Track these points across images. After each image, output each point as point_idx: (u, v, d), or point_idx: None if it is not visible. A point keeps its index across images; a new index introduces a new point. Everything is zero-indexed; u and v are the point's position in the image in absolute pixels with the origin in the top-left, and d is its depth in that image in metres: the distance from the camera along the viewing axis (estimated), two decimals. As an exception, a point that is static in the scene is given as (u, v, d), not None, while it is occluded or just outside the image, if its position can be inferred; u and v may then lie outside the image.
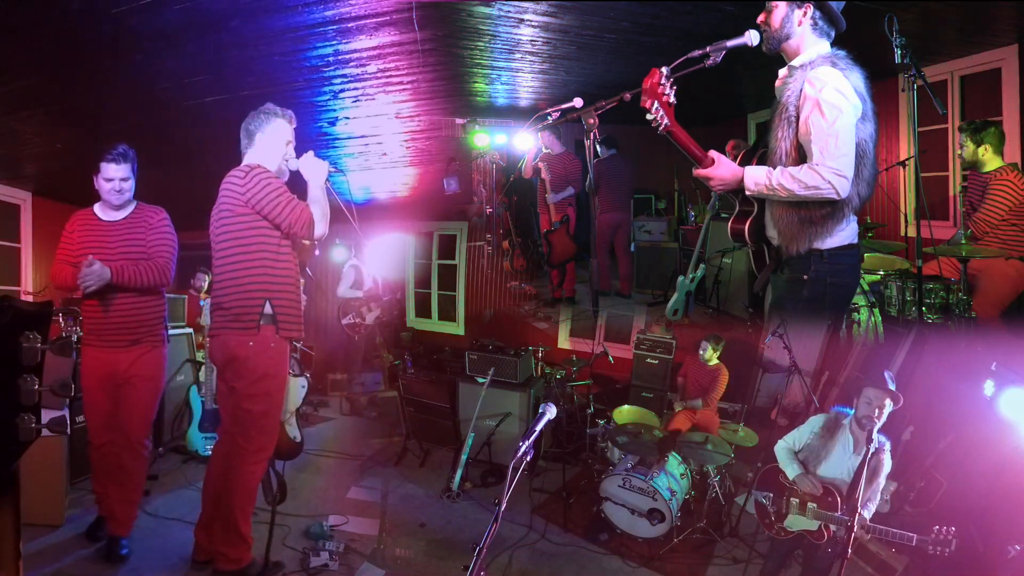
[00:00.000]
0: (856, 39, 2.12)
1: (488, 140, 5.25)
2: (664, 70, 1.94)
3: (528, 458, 1.71)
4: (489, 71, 4.33)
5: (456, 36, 3.68)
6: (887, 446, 2.54)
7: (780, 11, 2.12)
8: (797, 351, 3.70)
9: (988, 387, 2.70)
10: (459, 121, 5.09)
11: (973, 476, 2.89)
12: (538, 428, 1.76)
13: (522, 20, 3.51)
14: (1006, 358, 2.71)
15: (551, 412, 1.81)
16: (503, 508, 1.62)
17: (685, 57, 1.98)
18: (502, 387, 4.72)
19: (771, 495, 2.76)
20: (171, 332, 4.90)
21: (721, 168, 2.15)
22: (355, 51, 3.63)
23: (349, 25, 3.30)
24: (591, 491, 4.02)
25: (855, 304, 3.77)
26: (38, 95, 3.76)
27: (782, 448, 2.79)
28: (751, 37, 2.06)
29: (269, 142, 2.72)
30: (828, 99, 1.99)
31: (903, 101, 4.68)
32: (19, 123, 4.15)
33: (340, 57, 3.67)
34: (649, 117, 1.97)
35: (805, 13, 2.10)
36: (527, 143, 5.45)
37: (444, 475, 4.35)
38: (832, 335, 5.12)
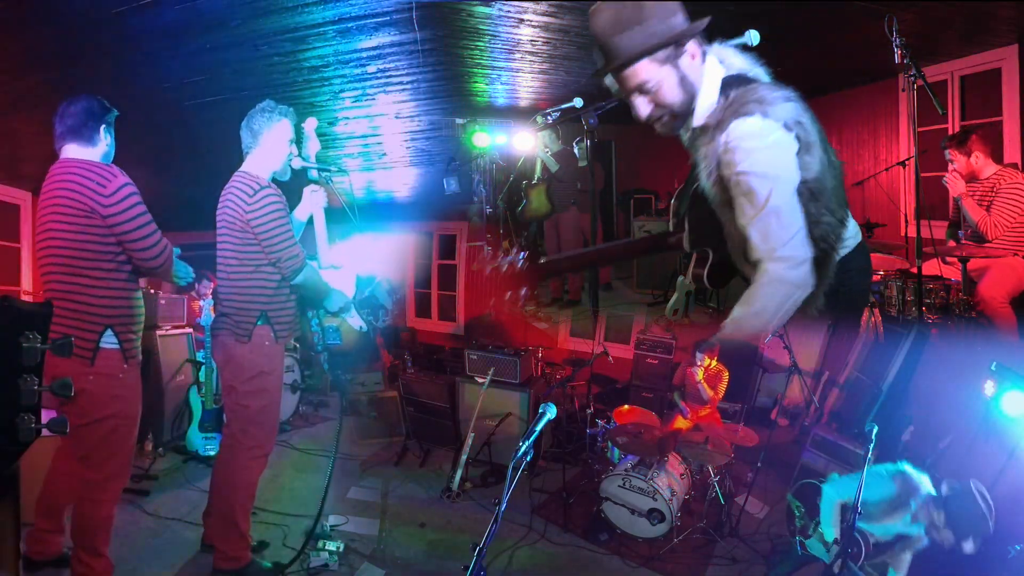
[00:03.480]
0: (856, 39, 2.10)
1: (488, 140, 5.24)
2: None
3: (528, 458, 1.71)
4: (489, 71, 4.33)
5: (456, 36, 3.68)
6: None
7: (669, 78, 1.47)
8: (797, 351, 3.70)
9: (988, 387, 2.70)
10: (459, 121, 5.09)
11: (973, 476, 2.89)
12: (538, 428, 1.76)
13: (522, 20, 3.51)
14: (1007, 356, 2.70)
15: (551, 412, 1.81)
16: (503, 508, 1.61)
17: None
18: (502, 387, 4.71)
19: (804, 509, 2.75)
20: (171, 332, 4.97)
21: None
22: (355, 51, 3.63)
23: (349, 25, 3.31)
24: (591, 491, 4.02)
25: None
26: (38, 95, 3.76)
27: (834, 504, 2.57)
28: (751, 37, 2.03)
29: (274, 144, 2.72)
30: (753, 170, 1.43)
31: (903, 101, 4.68)
32: (19, 123, 4.15)
33: (340, 57, 3.68)
34: None
35: (693, 56, 1.47)
36: (527, 143, 5.44)
37: (444, 475, 4.34)
38: (832, 335, 5.12)
